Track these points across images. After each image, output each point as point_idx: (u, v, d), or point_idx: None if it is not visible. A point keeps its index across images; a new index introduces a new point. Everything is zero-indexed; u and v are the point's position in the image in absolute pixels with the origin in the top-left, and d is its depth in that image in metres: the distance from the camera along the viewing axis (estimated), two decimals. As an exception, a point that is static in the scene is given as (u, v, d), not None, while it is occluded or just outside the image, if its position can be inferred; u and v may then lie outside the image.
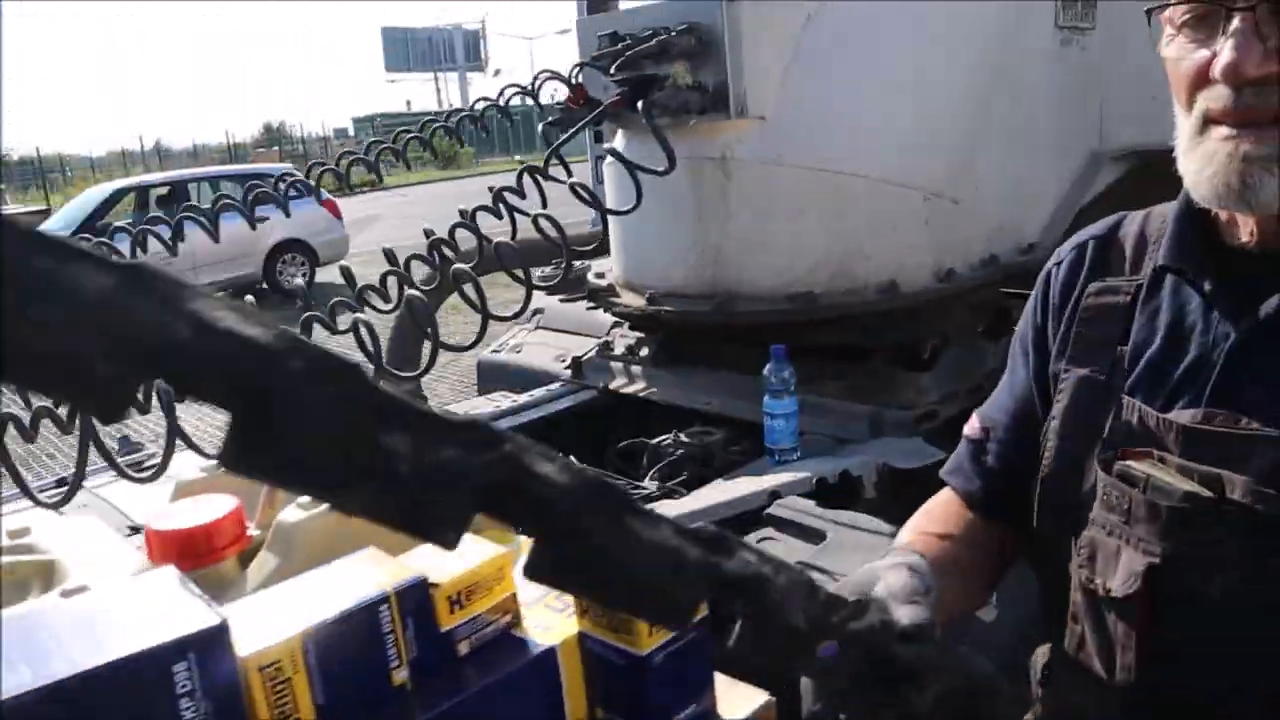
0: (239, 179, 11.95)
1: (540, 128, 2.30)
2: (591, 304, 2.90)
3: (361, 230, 14.25)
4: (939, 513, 1.08)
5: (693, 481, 2.16)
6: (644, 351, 2.77)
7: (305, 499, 0.95)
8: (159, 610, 0.68)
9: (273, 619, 0.72)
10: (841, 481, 2.01)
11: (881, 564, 0.85)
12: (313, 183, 2.43)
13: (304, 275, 11.49)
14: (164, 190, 11.51)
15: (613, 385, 2.73)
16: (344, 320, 1.80)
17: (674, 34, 2.11)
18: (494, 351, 3.35)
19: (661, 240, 2.50)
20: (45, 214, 13.90)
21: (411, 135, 2.39)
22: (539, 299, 3.39)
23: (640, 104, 2.05)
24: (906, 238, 2.33)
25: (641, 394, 2.65)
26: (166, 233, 2.21)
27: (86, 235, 2.14)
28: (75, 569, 0.88)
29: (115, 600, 0.70)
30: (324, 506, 0.96)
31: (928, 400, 2.31)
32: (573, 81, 2.24)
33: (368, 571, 0.79)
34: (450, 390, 7.00)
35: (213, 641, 0.66)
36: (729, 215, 2.34)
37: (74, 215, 10.90)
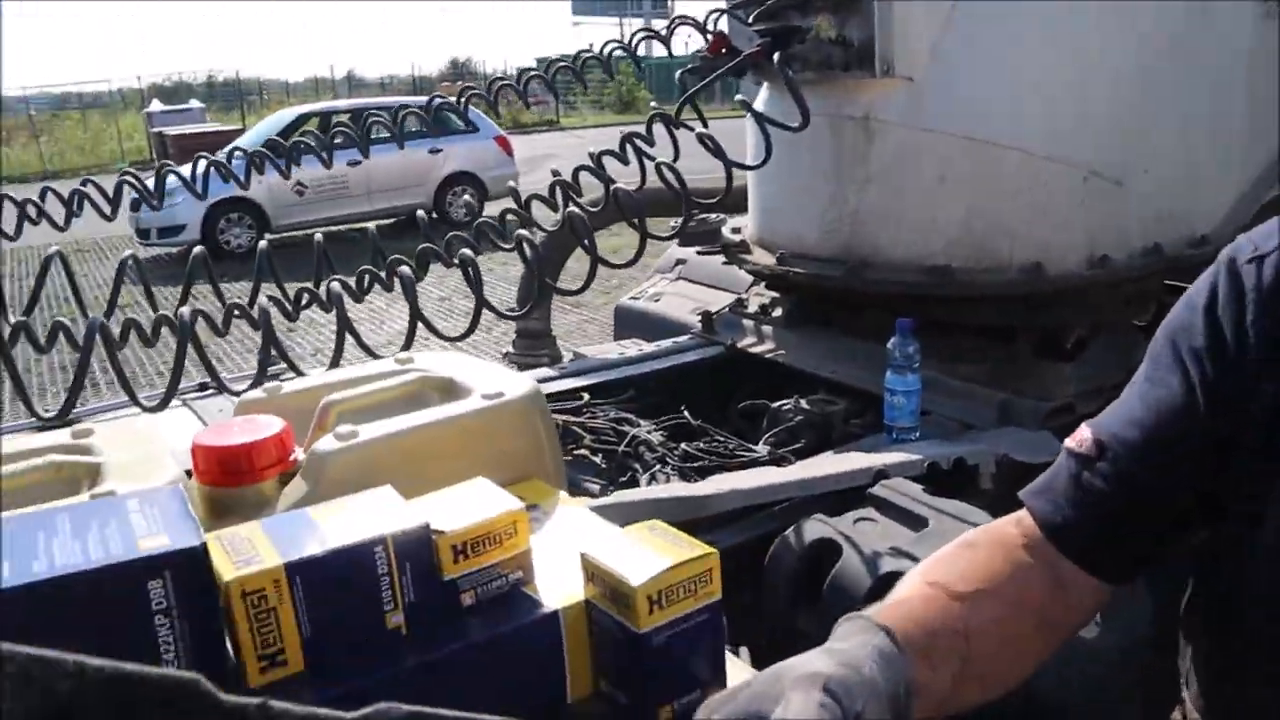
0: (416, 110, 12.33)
1: (678, 75, 2.23)
2: (726, 259, 2.84)
3: (533, 169, 14.45)
4: (980, 556, 0.86)
5: (808, 450, 2.10)
6: (776, 312, 2.71)
7: (344, 428, 0.94)
8: (152, 526, 0.68)
9: (269, 547, 0.71)
10: (956, 468, 1.90)
11: (800, 668, 0.64)
12: (491, 98, 2.44)
13: (472, 208, 11.79)
14: (345, 117, 11.96)
15: (741, 343, 2.68)
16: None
17: (820, -16, 2.01)
18: (633, 298, 3.35)
19: (796, 199, 2.41)
20: (239, 132, 14.64)
21: (590, 56, 2.37)
22: (682, 250, 3.37)
23: (776, 56, 1.95)
24: (1058, 218, 2.16)
25: (767, 355, 2.59)
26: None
27: (265, 151, 2.24)
28: (115, 474, 0.90)
29: (116, 511, 0.70)
30: (359, 438, 0.95)
31: (1066, 393, 2.16)
32: (709, 29, 2.16)
33: (377, 510, 0.76)
34: (599, 331, 7.12)
35: (190, 563, 0.65)
36: (868, 179, 2.23)
37: (261, 135, 11.47)
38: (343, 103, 15.27)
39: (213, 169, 2.35)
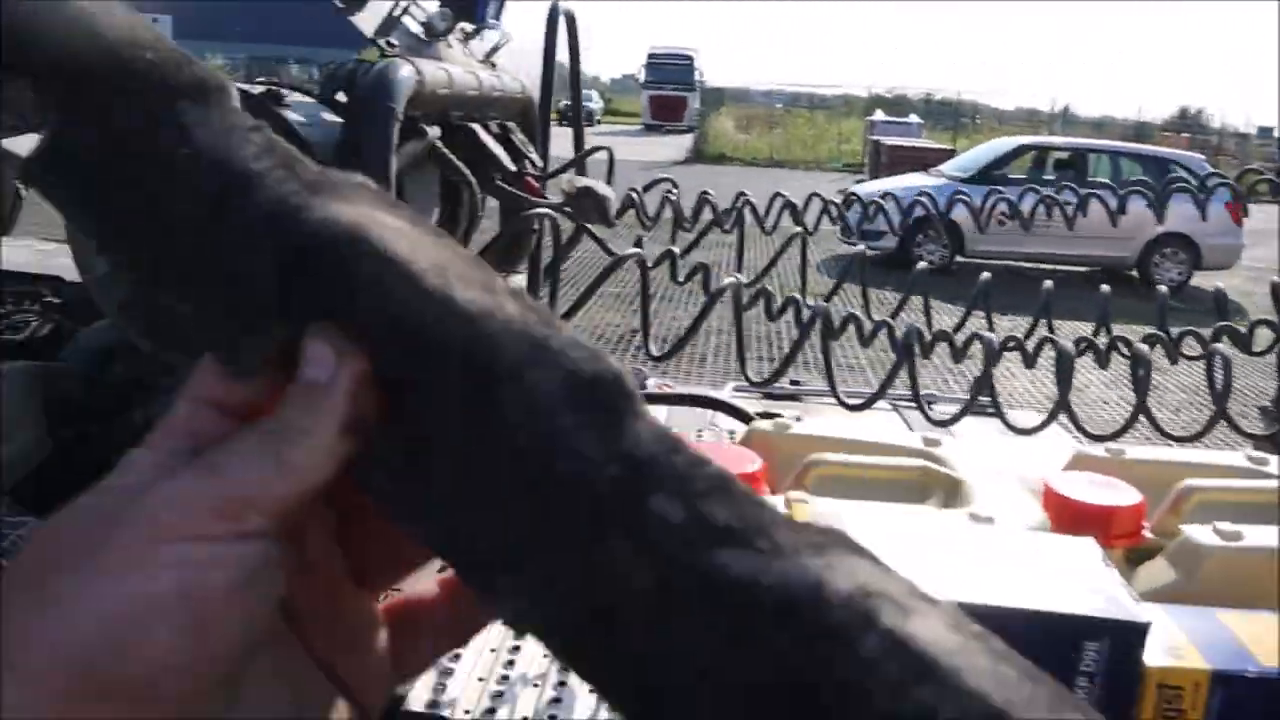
0: (1140, 159, 11.58)
1: None
2: None
3: (1259, 243, 12.87)
4: None
5: None
6: None
7: (1226, 525, 0.86)
8: (1080, 579, 0.67)
9: (1184, 644, 0.67)
10: None
11: None
12: (1243, 189, 2.20)
13: (1180, 274, 10.71)
14: (1064, 155, 11.65)
15: None
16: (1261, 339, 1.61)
17: None
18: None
19: None
20: (951, 153, 14.94)
21: None
22: None
23: None
24: None
25: None
26: (1072, 198, 2.19)
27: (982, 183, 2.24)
28: (981, 498, 0.92)
29: (1029, 548, 0.71)
30: (1244, 542, 0.86)
31: None
32: None
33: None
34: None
35: (1132, 637, 0.63)
36: None
37: (976, 159, 11.59)
38: (1061, 140, 14.87)
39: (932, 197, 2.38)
